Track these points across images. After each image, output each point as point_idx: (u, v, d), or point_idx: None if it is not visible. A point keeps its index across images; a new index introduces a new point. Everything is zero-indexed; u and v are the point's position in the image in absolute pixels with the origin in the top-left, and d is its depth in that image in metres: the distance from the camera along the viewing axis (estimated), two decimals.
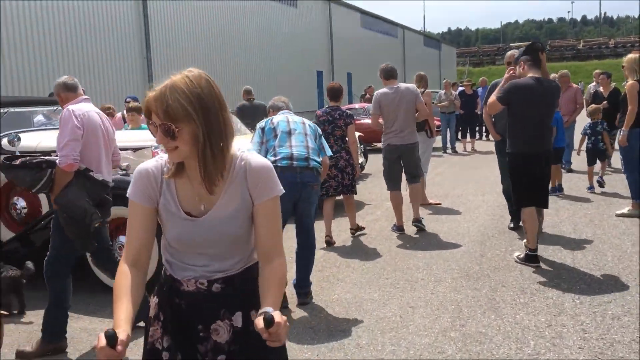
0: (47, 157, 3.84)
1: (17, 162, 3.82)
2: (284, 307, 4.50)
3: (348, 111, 6.60)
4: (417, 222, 6.90)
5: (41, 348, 3.81)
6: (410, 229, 6.90)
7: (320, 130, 4.75)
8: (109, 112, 8.22)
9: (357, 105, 16.47)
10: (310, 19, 28.76)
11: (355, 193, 6.75)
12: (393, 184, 6.85)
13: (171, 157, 1.75)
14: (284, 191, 1.83)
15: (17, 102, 6.55)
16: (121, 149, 5.30)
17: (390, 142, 6.73)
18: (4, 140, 5.14)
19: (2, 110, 5.61)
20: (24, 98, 8.67)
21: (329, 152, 4.74)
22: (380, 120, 6.80)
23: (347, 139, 6.43)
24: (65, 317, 3.91)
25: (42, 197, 5.13)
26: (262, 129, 4.61)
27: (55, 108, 7.06)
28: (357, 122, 8.46)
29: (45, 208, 5.11)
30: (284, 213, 4.52)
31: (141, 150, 5.26)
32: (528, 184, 5.28)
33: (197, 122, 1.67)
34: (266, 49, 24.31)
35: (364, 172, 11.00)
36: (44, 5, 13.62)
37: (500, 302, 4.48)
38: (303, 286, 4.64)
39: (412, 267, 5.49)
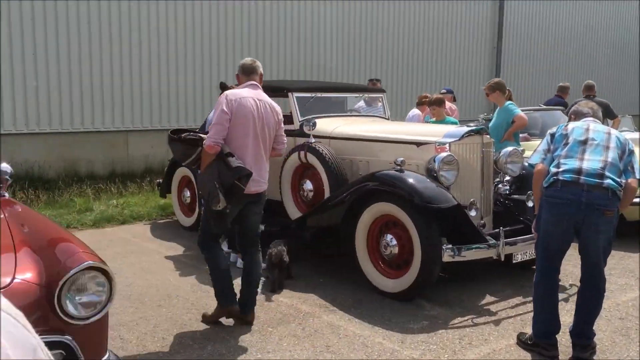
0: (203, 136, 3.99)
1: (179, 136, 4.06)
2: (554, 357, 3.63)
3: None
4: None
5: (217, 312, 4.11)
6: None
7: (632, 146, 3.63)
8: (425, 101, 8.01)
9: None
10: None
11: None
12: None
13: None
14: None
15: (329, 87, 6.86)
16: (403, 142, 5.06)
17: None
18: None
19: (308, 95, 5.91)
20: (338, 84, 9.15)
21: (639, 175, 3.58)
22: None
23: None
24: (228, 283, 4.07)
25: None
26: (552, 135, 3.76)
27: (362, 95, 7.25)
28: None
29: (326, 193, 5.18)
30: (562, 235, 3.62)
31: (425, 146, 4.88)
32: None
33: None
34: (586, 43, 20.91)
35: None
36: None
37: None
38: (581, 335, 3.65)
39: None
